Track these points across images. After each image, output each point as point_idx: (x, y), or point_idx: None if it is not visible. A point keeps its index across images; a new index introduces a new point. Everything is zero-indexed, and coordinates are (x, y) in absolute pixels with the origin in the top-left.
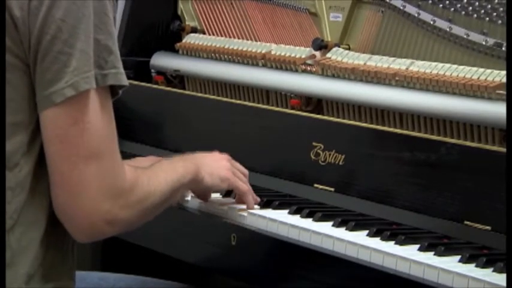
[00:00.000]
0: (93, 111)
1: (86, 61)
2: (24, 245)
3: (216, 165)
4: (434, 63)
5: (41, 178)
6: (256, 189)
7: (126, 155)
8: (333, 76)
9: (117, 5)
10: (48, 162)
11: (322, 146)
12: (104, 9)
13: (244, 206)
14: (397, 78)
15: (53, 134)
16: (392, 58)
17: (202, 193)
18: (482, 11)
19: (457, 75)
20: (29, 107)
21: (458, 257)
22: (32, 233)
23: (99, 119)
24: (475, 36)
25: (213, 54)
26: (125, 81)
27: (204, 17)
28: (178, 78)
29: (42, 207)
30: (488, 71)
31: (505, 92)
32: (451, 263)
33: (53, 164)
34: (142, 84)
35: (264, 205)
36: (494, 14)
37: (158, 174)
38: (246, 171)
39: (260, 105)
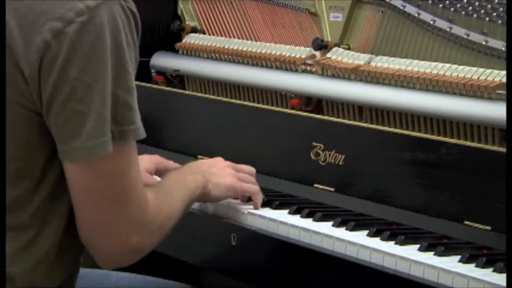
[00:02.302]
0: (115, 165)
1: (102, 124)
2: (30, 279)
3: (222, 174)
4: (434, 63)
5: (47, 221)
6: None
7: None
8: (333, 76)
9: (137, 50)
10: (75, 206)
11: (322, 146)
12: (123, 63)
13: (245, 206)
14: (396, 78)
15: (77, 186)
16: (392, 58)
17: (208, 202)
18: (483, 11)
19: (457, 75)
20: (37, 155)
21: (458, 257)
22: (39, 267)
23: (123, 168)
24: (475, 36)
25: (213, 54)
26: (143, 135)
27: (204, 17)
28: (178, 78)
29: (50, 245)
30: (488, 71)
31: (505, 92)
32: (451, 263)
33: (80, 208)
34: (143, 84)
35: (264, 205)
36: (494, 14)
37: (174, 195)
38: (253, 169)
39: (260, 105)
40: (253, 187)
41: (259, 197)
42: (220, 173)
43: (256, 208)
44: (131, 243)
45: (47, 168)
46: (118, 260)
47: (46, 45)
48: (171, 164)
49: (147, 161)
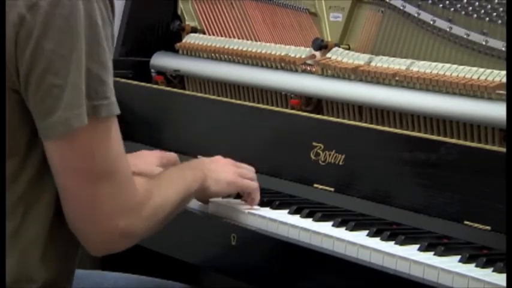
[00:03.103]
0: (94, 139)
1: (77, 96)
2: (22, 267)
3: (222, 170)
4: (434, 63)
5: (34, 203)
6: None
7: None
8: (333, 76)
9: (113, 28)
10: (58, 187)
11: (322, 146)
12: (97, 38)
13: (245, 206)
14: (397, 78)
15: (59, 165)
16: (392, 58)
17: (209, 198)
18: (482, 11)
19: (457, 75)
20: (18, 134)
21: (458, 257)
22: (29, 253)
23: (102, 144)
24: (475, 36)
25: (213, 54)
26: (117, 111)
27: (204, 17)
28: (178, 78)
29: (39, 229)
30: (488, 71)
31: (505, 92)
32: (451, 263)
33: (64, 189)
34: (142, 84)
35: (264, 205)
36: (494, 14)
37: (168, 185)
38: (252, 168)
39: (260, 105)
40: (252, 184)
41: (258, 195)
42: (220, 168)
43: (251, 205)
44: (119, 227)
45: (30, 148)
46: (107, 245)
47: (21, 19)
48: (172, 155)
49: (153, 156)
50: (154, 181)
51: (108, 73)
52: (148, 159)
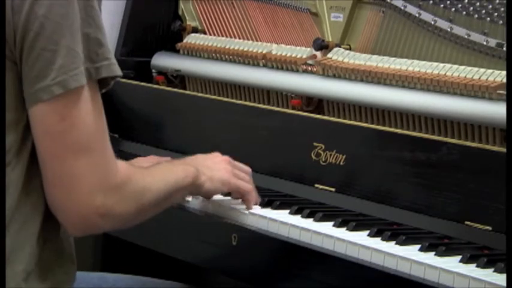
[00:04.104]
0: (82, 106)
1: (73, 58)
2: (20, 243)
3: (217, 168)
4: (435, 64)
5: (34, 176)
6: (257, 190)
7: (126, 155)
8: (334, 76)
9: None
10: (40, 159)
11: (323, 146)
12: (89, 2)
13: (245, 205)
14: (397, 78)
15: (41, 131)
16: (393, 58)
17: (203, 196)
18: (483, 11)
19: (458, 76)
20: (19, 105)
21: (459, 257)
22: (27, 230)
23: (88, 113)
24: (476, 37)
25: (214, 54)
26: (119, 71)
27: (204, 17)
28: (179, 78)
29: (37, 205)
30: (489, 71)
31: (505, 92)
32: (452, 263)
33: (44, 160)
34: (143, 84)
35: (264, 205)
36: (495, 14)
37: (156, 173)
38: (249, 169)
39: (261, 105)
40: (246, 185)
41: (252, 197)
42: (215, 166)
43: (249, 208)
44: (96, 204)
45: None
46: (85, 223)
47: None
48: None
49: (145, 162)
50: (140, 168)
51: (104, 35)
52: (142, 164)
